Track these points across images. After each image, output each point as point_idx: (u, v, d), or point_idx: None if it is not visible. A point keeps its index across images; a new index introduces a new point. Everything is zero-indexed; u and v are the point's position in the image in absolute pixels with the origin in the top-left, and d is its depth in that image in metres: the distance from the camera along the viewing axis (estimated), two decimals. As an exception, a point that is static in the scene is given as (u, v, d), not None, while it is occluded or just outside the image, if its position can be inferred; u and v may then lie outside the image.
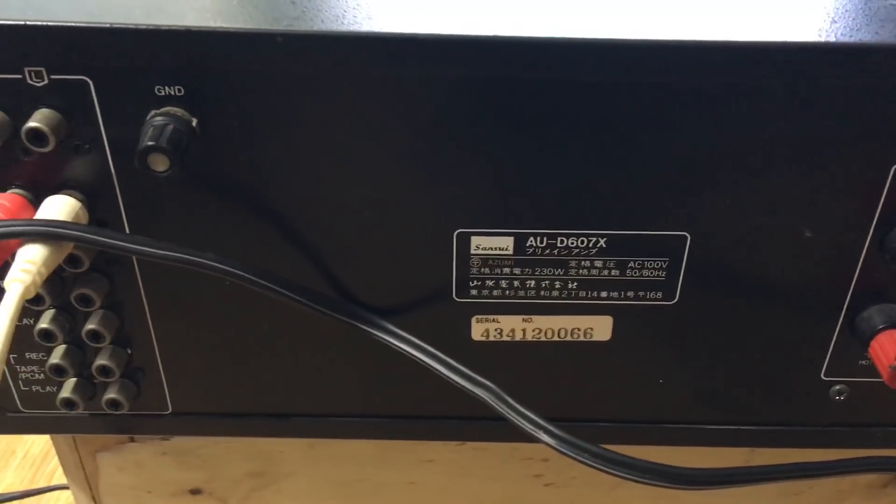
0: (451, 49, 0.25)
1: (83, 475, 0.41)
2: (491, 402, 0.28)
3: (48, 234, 0.25)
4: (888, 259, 0.28)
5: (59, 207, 0.27)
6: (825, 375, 0.31)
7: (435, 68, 0.26)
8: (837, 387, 0.31)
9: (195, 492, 0.42)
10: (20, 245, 0.26)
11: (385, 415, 0.34)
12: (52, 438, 0.40)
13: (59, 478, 0.70)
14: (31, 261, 0.25)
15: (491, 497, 0.43)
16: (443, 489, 0.42)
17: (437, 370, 0.29)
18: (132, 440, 0.40)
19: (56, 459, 0.72)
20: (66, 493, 0.68)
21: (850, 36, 0.25)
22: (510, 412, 0.28)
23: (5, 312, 0.24)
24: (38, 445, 0.73)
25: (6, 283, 0.25)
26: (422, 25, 0.25)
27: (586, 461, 0.27)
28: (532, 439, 0.28)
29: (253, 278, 0.27)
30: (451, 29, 0.25)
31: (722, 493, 0.42)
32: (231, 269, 0.27)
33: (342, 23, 0.25)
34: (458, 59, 0.25)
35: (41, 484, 0.69)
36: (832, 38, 0.25)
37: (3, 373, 0.24)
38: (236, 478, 0.42)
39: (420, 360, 0.29)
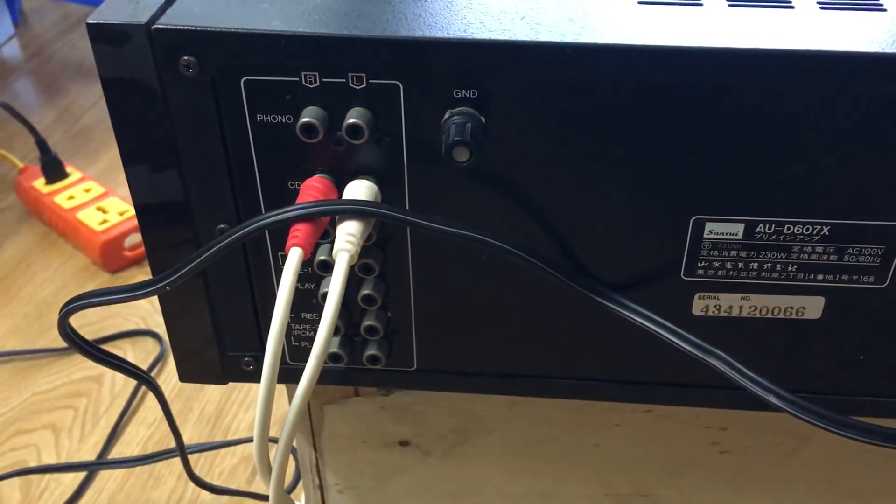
0: (692, 59, 0.29)
1: (309, 424, 0.47)
2: (722, 368, 0.32)
3: (364, 211, 0.30)
4: None
5: (363, 190, 0.32)
6: None
7: (681, 76, 0.30)
8: None
9: (403, 443, 0.47)
10: (338, 221, 0.31)
11: (589, 378, 0.39)
12: (288, 390, 0.46)
13: (233, 434, 0.77)
14: (351, 233, 0.30)
15: (669, 461, 0.47)
16: (625, 452, 0.47)
17: (671, 340, 0.33)
18: (356, 394, 0.45)
19: (229, 416, 0.79)
20: (241, 448, 0.75)
21: None
22: (741, 377, 0.32)
23: (338, 275, 0.29)
24: (213, 404, 0.80)
25: (335, 254, 0.30)
26: (668, 37, 0.29)
27: (814, 421, 0.30)
28: (762, 402, 0.31)
29: (523, 255, 0.32)
30: (690, 41, 0.29)
31: (890, 467, 0.45)
32: (505, 247, 0.31)
33: (615, 37, 0.29)
34: (699, 68, 0.29)
35: (217, 439, 0.76)
36: None
37: (332, 329, 0.29)
38: (441, 433, 0.47)
39: (655, 331, 0.33)
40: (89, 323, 0.93)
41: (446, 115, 0.30)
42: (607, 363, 0.38)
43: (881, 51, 0.29)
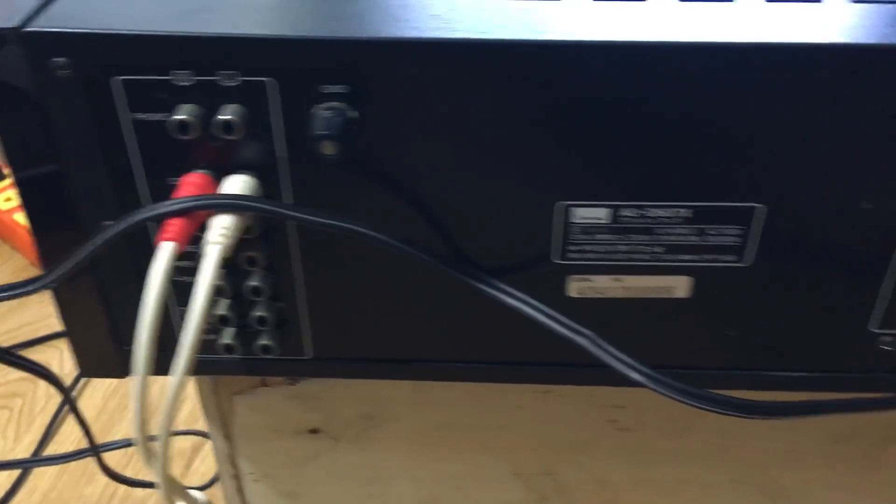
0: (547, 52, 0.31)
1: (220, 415, 0.48)
2: (589, 347, 0.34)
3: (235, 205, 0.31)
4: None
5: (241, 184, 0.33)
6: (874, 327, 0.36)
7: (540, 68, 0.31)
8: (885, 338, 0.36)
9: (314, 431, 0.48)
10: (214, 215, 0.32)
11: (483, 360, 0.40)
12: (197, 383, 0.47)
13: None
14: (224, 227, 0.31)
15: (571, 440, 0.48)
16: (529, 432, 0.48)
17: (542, 321, 0.34)
18: (264, 384, 0.46)
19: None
20: (179, 442, 0.76)
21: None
22: (605, 355, 0.33)
23: (207, 268, 0.30)
24: (151, 399, 0.80)
25: (204, 247, 0.31)
26: (531, 32, 0.31)
27: (672, 395, 0.32)
28: (625, 379, 0.33)
29: (396, 244, 0.33)
30: (548, 35, 0.30)
31: (781, 438, 0.47)
32: (379, 237, 0.33)
33: (477, 33, 0.31)
34: (554, 60, 0.31)
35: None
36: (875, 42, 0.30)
37: (202, 322, 0.31)
38: (349, 419, 0.48)
39: (527, 313, 0.34)
40: (27, 323, 0.93)
41: (314, 110, 0.31)
42: (496, 346, 0.39)
43: (719, 40, 0.30)
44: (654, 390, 0.32)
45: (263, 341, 0.38)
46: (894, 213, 0.33)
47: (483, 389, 0.46)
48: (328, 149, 0.31)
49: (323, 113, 0.31)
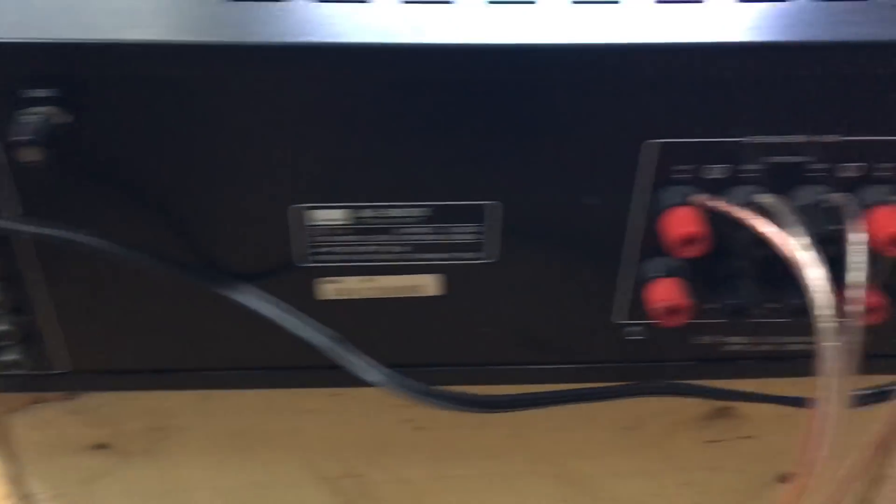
0: (269, 57, 0.30)
1: (-2, 434, 0.46)
2: (326, 348, 0.33)
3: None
4: (652, 221, 0.34)
5: (-52, 195, 0.31)
6: (617, 319, 0.37)
7: (262, 74, 0.31)
8: (627, 328, 0.37)
9: (101, 446, 0.47)
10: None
11: (262, 366, 0.40)
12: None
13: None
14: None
15: (369, 441, 0.48)
16: (327, 435, 0.48)
17: (279, 324, 0.34)
18: (41, 401, 0.44)
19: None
20: None
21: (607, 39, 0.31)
22: (343, 356, 0.33)
23: None
24: None
25: None
26: (245, 36, 0.30)
27: (409, 395, 0.32)
28: (363, 381, 0.33)
29: (124, 251, 0.32)
30: (266, 38, 0.30)
31: (574, 428, 0.48)
32: (101, 246, 0.32)
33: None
34: (275, 65, 0.31)
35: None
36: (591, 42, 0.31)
37: None
38: (136, 432, 0.46)
39: (263, 316, 0.34)
40: None
41: (14, 115, 0.30)
42: (260, 351, 0.39)
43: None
44: (391, 390, 0.32)
45: (11, 356, 0.37)
46: (620, 210, 0.34)
47: (272, 394, 0.45)
48: (30, 155, 0.29)
49: (23, 118, 0.30)
